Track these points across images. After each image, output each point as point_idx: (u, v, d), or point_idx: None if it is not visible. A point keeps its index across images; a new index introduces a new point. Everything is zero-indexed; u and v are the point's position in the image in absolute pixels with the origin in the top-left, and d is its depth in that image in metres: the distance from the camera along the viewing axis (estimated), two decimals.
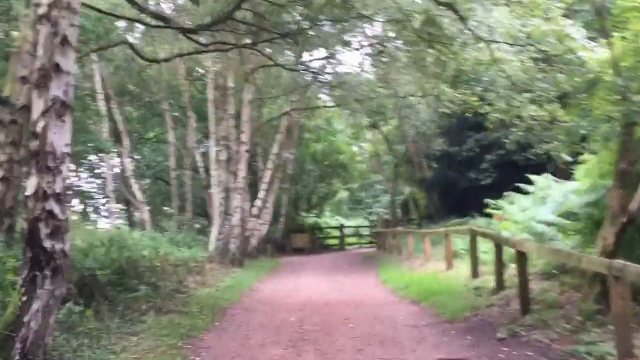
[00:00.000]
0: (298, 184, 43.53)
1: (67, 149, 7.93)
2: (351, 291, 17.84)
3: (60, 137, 7.84)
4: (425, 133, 39.13)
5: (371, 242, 47.87)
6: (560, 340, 9.21)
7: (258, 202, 30.52)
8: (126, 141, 32.72)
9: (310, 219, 50.08)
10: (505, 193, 21.68)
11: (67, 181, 7.92)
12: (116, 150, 32.50)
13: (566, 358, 8.44)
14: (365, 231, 52.08)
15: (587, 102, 11.57)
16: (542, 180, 19.61)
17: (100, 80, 28.51)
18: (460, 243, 22.16)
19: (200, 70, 35.42)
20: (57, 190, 7.72)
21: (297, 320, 12.54)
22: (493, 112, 18.02)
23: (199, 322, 11.96)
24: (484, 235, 16.07)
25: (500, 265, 13.61)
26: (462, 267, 18.58)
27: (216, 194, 28.33)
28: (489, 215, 23.00)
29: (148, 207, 33.73)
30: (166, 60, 25.03)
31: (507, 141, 28.85)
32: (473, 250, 16.48)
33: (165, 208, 41.02)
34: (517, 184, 21.14)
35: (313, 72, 28.49)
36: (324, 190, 49.33)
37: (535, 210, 16.92)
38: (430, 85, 23.53)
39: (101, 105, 28.51)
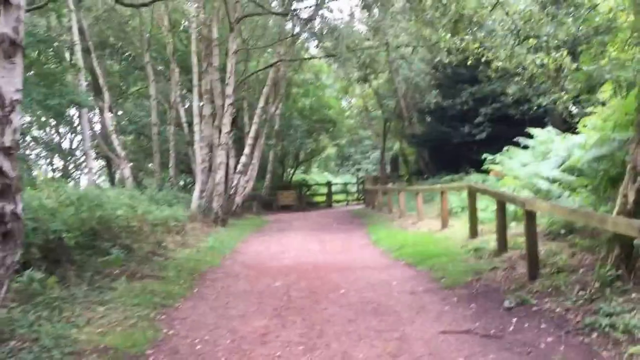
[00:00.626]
0: (285, 140, 42.78)
1: (18, 96, 6.79)
2: (340, 253, 16.78)
3: (9, 82, 6.73)
4: (417, 86, 38.41)
5: (359, 199, 48.36)
6: (576, 310, 8.16)
7: (243, 159, 29.38)
8: (106, 96, 31.61)
9: (298, 175, 49.61)
10: (504, 148, 20.74)
11: (18, 134, 6.81)
12: (96, 105, 31.62)
13: (586, 331, 7.41)
14: (353, 188, 51.77)
15: (602, 47, 10.52)
16: (543, 134, 18.67)
17: (78, 32, 27.25)
18: (455, 200, 21.24)
19: (184, 22, 34.20)
20: (7, 144, 6.62)
21: (282, 286, 11.51)
22: (495, 61, 16.87)
23: (176, 288, 10.85)
24: (485, 192, 14.99)
25: (503, 225, 12.55)
26: (458, 227, 17.66)
27: (199, 150, 27.38)
28: (485, 171, 22.19)
29: (130, 164, 32.83)
30: (145, 4, 23.95)
31: (506, 94, 28.25)
32: (472, 208, 15.37)
33: (149, 165, 40.09)
34: (515, 138, 20.20)
35: (302, 19, 27.27)
36: (312, 146, 48.71)
37: (537, 165, 15.99)
38: (429, 33, 22.32)
39: (79, 57, 27.24)
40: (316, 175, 56.96)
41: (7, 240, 6.59)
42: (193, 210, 24.65)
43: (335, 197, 48.54)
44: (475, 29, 18.02)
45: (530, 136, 19.58)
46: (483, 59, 18.60)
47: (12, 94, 6.71)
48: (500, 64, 17.41)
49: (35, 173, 42.89)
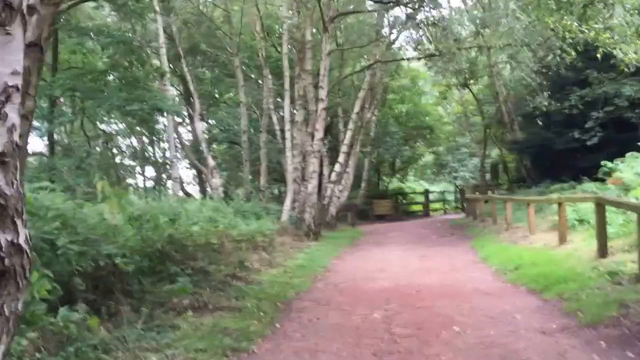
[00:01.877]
0: (380, 147, 41.41)
1: (16, 80, 4.95)
2: (446, 272, 14.75)
3: (3, 61, 4.93)
4: (520, 91, 36.41)
5: (457, 208, 47.16)
6: None
7: (337, 167, 27.64)
8: (197, 103, 30.90)
9: (393, 184, 47.93)
10: (622, 154, 18.64)
11: (17, 134, 5.01)
12: (187, 112, 30.70)
13: None
14: (450, 196, 49.94)
15: None
16: None
17: (163, 35, 26.09)
18: (569, 212, 19.11)
19: (277, 28, 32.71)
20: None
21: (382, 320, 9.59)
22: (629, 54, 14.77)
23: (254, 324, 8.95)
24: (620, 205, 12.84)
25: None
26: (578, 243, 15.47)
27: (290, 158, 25.85)
28: (601, 180, 20.17)
29: (220, 174, 31.77)
30: None
31: (620, 96, 25.88)
32: (601, 223, 13.09)
33: (241, 174, 38.97)
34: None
35: (407, 8, 25.23)
36: (408, 153, 47.23)
37: None
38: (554, 20, 19.97)
39: (165, 62, 26.02)
40: (412, 184, 55.20)
41: (5, 282, 4.82)
42: (284, 222, 23.17)
43: (432, 206, 47.13)
44: (608, 14, 15.88)
45: None
46: (615, 51, 16.50)
47: (6, 78, 4.88)
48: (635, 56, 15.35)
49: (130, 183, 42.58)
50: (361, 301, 11.18)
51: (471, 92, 40.79)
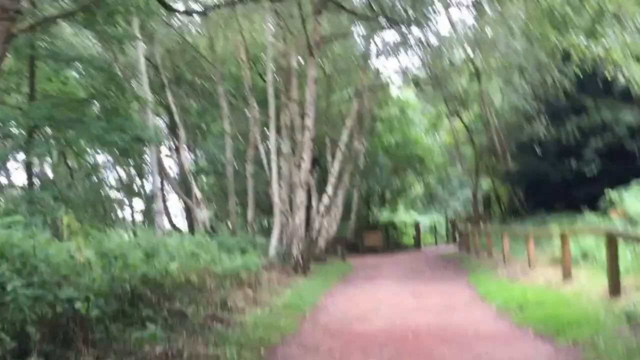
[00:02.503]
0: (369, 178, 40.91)
1: None
2: (444, 312, 13.70)
3: None
4: (511, 119, 35.74)
5: (448, 241, 46.94)
6: None
7: (326, 199, 26.67)
8: (183, 134, 30.18)
9: (384, 215, 46.80)
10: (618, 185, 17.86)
11: None
12: (173, 143, 29.92)
13: None
14: (441, 228, 48.94)
15: None
16: None
17: (143, 62, 25.26)
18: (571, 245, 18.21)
19: (262, 55, 31.76)
20: None
21: None
22: None
23: None
24: (631, 238, 11.86)
25: None
26: (584, 279, 14.54)
27: (276, 190, 24.90)
28: (602, 211, 19.36)
29: (207, 206, 30.92)
30: (203, 13, 22.04)
31: (619, 123, 25.05)
32: (612, 259, 12.06)
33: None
34: None
35: (400, 24, 24.29)
36: (398, 184, 46.64)
37: None
38: (556, 38, 19.01)
39: (146, 90, 25.15)
40: (403, 215, 54.20)
41: None
42: (271, 256, 22.17)
43: (423, 238, 46.27)
44: (619, 30, 14.98)
45: None
46: (621, 73, 15.64)
47: None
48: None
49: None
50: (353, 346, 10.18)
51: (462, 120, 39.83)
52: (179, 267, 12.07)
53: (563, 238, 15.54)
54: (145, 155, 32.62)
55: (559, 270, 15.80)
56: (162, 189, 31.46)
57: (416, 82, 29.62)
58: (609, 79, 21.72)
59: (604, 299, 11.75)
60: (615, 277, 11.83)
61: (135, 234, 16.52)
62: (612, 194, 18.43)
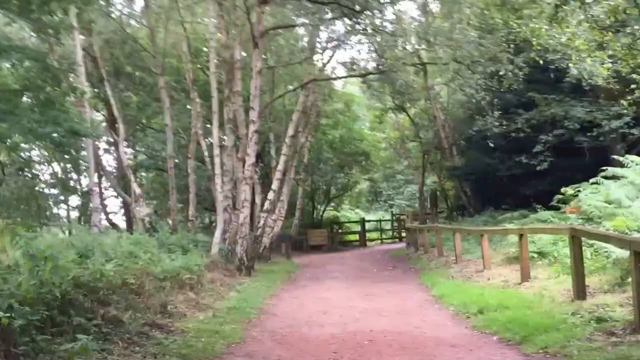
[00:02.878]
0: (315, 174, 40.37)
1: None
2: (399, 315, 12.85)
3: None
4: (458, 114, 35.33)
5: (394, 238, 45.65)
6: None
7: (271, 195, 25.71)
8: (122, 128, 29.50)
9: (328, 213, 46.13)
10: (582, 181, 17.46)
11: None
12: (111, 138, 30.99)
13: None
14: (387, 225, 48.16)
15: None
16: None
17: (80, 52, 24.26)
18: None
19: (205, 48, 30.75)
20: None
21: None
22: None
23: None
24: (605, 238, 11.13)
25: None
26: (545, 280, 13.90)
27: (219, 186, 24.04)
28: (555, 208, 19.02)
29: (147, 203, 30.02)
30: None
31: (569, 118, 24.62)
32: (577, 259, 11.27)
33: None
34: (604, 168, 16.83)
35: (349, 10, 23.31)
36: (343, 181, 45.76)
37: None
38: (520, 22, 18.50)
39: (83, 81, 24.13)
40: (347, 212, 53.33)
41: None
42: (214, 255, 21.26)
43: (368, 236, 45.12)
44: (582, 16, 14.44)
45: (622, 165, 16.26)
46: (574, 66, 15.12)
47: None
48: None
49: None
50: (305, 355, 9.36)
51: (408, 115, 39.20)
52: (115, 269, 11.20)
53: (520, 236, 14.84)
54: (84, 151, 31.39)
55: (516, 270, 15.17)
56: (99, 185, 30.43)
57: (363, 75, 28.75)
58: (561, 72, 21.37)
59: (570, 302, 11.01)
60: (580, 279, 11.11)
61: (70, 232, 15.70)
62: (567, 189, 17.88)
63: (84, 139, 23.28)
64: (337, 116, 42.14)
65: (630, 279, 9.14)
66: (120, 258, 12.78)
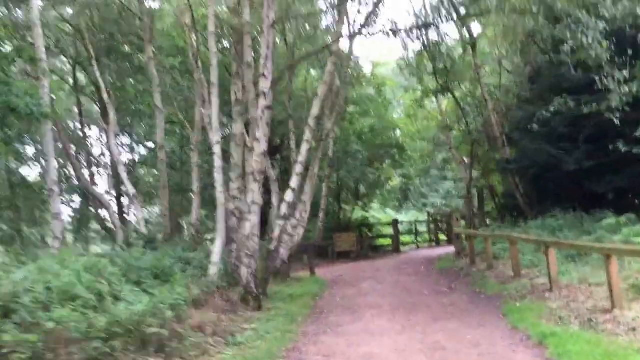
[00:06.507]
0: (341, 170, 35.25)
1: None
2: None
3: None
4: (512, 98, 29.85)
5: (431, 241, 40.82)
6: None
7: (289, 195, 19.57)
8: (112, 115, 25.33)
9: (356, 213, 41.09)
10: None
11: None
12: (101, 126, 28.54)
13: None
14: (421, 227, 43.14)
15: None
16: None
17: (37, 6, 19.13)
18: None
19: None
20: None
21: None
22: None
23: None
24: None
25: None
26: None
27: (219, 183, 18.03)
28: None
29: (141, 205, 26.42)
30: None
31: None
32: None
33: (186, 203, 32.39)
34: None
35: None
36: (374, 177, 40.03)
37: None
38: None
39: (40, 46, 18.73)
40: (377, 213, 47.50)
41: None
42: (210, 279, 15.53)
43: (401, 239, 39.46)
44: None
45: None
46: None
47: None
48: None
49: None
50: None
51: (454, 97, 33.36)
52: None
53: None
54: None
55: None
56: (59, 184, 24.39)
57: (406, 30, 23.06)
58: None
59: None
60: None
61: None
62: None
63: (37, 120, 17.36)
64: (367, 103, 37.34)
65: None
66: (37, 304, 7.45)
